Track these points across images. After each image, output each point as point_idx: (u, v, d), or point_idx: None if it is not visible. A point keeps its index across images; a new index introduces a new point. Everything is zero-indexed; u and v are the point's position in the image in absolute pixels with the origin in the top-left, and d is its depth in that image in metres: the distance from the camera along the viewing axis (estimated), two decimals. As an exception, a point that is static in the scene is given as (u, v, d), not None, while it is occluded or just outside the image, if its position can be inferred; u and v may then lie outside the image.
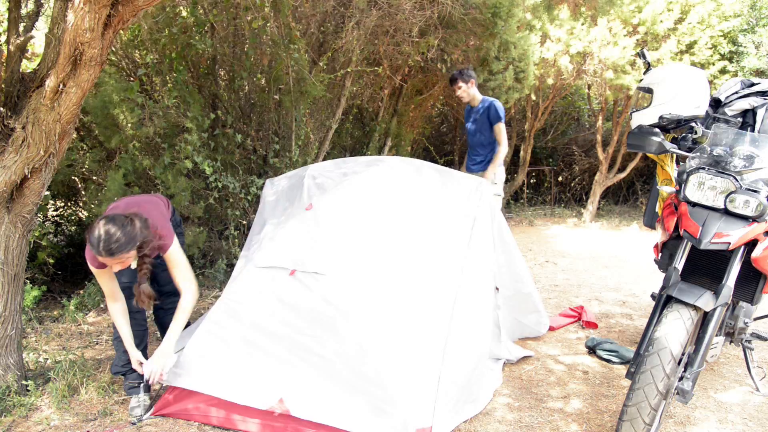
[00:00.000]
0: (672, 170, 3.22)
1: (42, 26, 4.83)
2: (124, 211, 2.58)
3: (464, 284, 2.80)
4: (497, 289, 3.40)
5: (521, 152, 9.92)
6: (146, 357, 2.98)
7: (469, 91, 5.03)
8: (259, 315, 2.71)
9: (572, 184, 11.48)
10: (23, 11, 3.10)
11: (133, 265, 2.59)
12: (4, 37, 3.10)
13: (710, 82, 7.74)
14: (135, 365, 2.77)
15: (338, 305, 2.59)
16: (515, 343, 3.70)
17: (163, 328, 3.06)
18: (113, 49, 4.69)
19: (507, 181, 10.31)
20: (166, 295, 2.99)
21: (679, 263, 2.60)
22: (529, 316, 3.86)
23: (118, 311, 2.77)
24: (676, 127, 2.94)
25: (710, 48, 7.65)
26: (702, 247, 2.43)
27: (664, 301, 2.51)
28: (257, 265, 2.81)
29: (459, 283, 2.78)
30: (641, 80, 3.13)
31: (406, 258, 2.82)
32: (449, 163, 11.28)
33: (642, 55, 3.31)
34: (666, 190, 2.75)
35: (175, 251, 2.72)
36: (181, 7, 4.75)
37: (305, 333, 2.61)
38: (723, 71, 7.69)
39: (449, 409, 2.55)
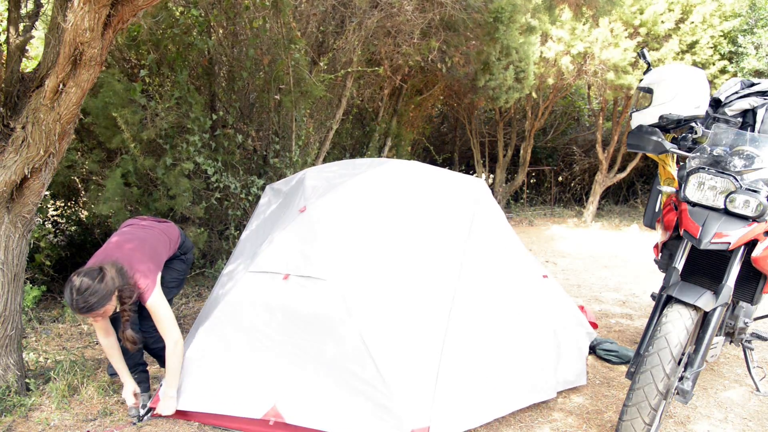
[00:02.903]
0: (674, 170, 3.22)
1: (42, 26, 4.84)
2: (106, 257, 2.56)
3: (462, 285, 2.78)
4: (545, 276, 3.29)
5: (521, 152, 9.92)
6: (142, 361, 2.97)
7: None
8: (252, 321, 2.69)
9: (572, 184, 11.49)
10: (23, 11, 3.09)
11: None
12: (3, 37, 3.10)
13: (710, 82, 7.74)
14: (128, 396, 2.74)
15: (332, 309, 2.57)
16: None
17: (156, 357, 3.05)
18: (114, 49, 4.69)
19: (507, 181, 10.32)
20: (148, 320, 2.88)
21: (679, 263, 2.60)
22: None
23: (111, 345, 2.74)
24: (676, 127, 2.94)
25: (711, 48, 7.65)
26: (702, 247, 2.43)
27: (664, 301, 2.51)
28: (251, 270, 2.79)
29: (456, 285, 2.76)
30: (641, 80, 3.12)
31: (401, 260, 2.80)
32: (449, 164, 11.29)
33: (642, 55, 3.30)
34: (666, 190, 2.75)
35: (155, 302, 2.62)
36: (180, 8, 4.75)
37: (299, 337, 2.60)
38: (723, 71, 7.70)
39: (451, 410, 2.54)
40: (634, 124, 3.00)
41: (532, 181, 11.96)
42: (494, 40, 6.15)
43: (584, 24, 7.78)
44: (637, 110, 3.07)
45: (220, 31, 4.96)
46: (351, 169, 3.35)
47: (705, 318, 2.47)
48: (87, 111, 4.27)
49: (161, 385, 2.74)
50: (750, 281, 2.65)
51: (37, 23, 3.18)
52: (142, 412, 2.73)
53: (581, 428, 2.74)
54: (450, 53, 6.22)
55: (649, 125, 2.82)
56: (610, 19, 7.58)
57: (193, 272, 5.06)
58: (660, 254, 3.14)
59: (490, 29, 6.02)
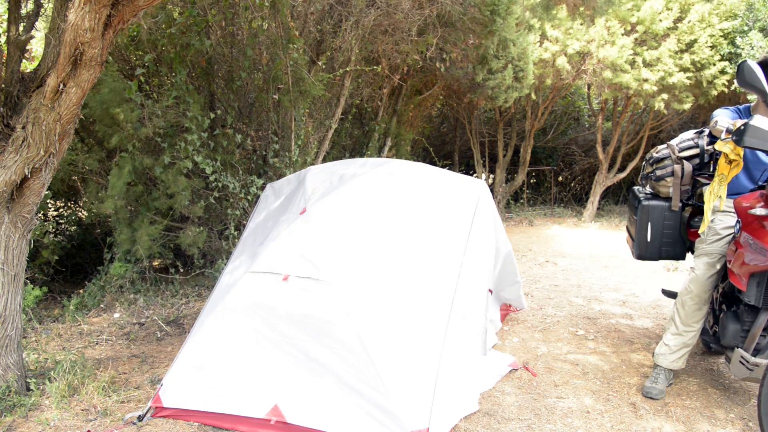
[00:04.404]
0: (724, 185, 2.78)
1: (42, 26, 4.83)
2: None
3: (460, 287, 2.80)
4: (490, 291, 3.39)
5: (521, 152, 9.93)
6: None
7: None
8: (252, 321, 2.69)
9: (572, 184, 11.49)
10: (23, 11, 3.09)
11: None
12: (4, 38, 3.09)
13: (710, 83, 7.74)
14: None
15: (333, 310, 2.57)
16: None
17: None
18: (113, 48, 4.69)
19: (507, 181, 10.32)
20: None
21: None
22: (510, 288, 4.08)
23: None
24: None
25: (710, 48, 7.63)
26: None
27: None
28: (251, 271, 2.79)
29: (455, 286, 2.78)
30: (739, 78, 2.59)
31: (402, 261, 2.81)
32: (449, 164, 11.29)
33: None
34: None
35: None
36: (178, 8, 4.75)
37: (300, 338, 2.60)
38: (723, 71, 7.69)
39: (446, 410, 2.55)
40: (759, 123, 2.45)
41: (532, 181, 11.96)
42: (491, 33, 6.16)
43: (581, 24, 7.77)
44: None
45: (218, 32, 4.96)
46: (352, 169, 3.36)
47: None
48: (86, 109, 4.27)
49: (161, 385, 2.74)
50: None
51: (37, 23, 3.17)
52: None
53: (581, 428, 2.74)
54: (448, 50, 6.22)
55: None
56: (607, 18, 7.58)
57: (193, 272, 5.07)
58: (747, 284, 2.65)
59: (487, 22, 6.02)
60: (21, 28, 3.01)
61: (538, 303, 4.84)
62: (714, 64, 7.66)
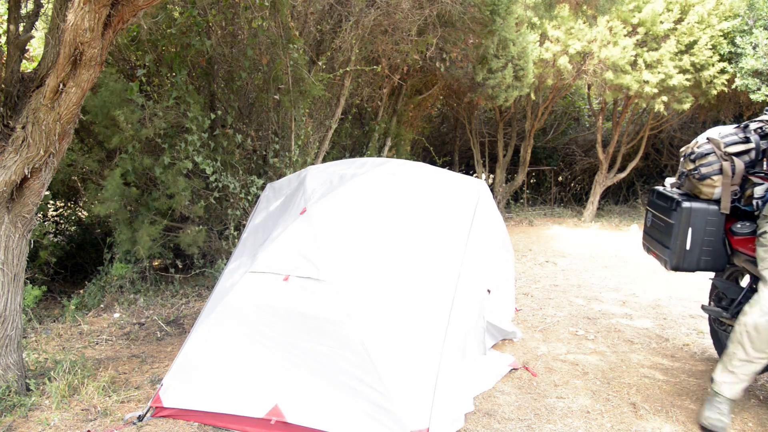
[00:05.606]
0: None
1: (42, 26, 4.83)
2: None
3: (460, 288, 2.81)
4: (489, 291, 3.38)
5: (521, 152, 9.93)
6: None
7: None
8: (253, 321, 2.69)
9: (572, 184, 11.49)
10: (23, 11, 3.09)
11: None
12: (4, 38, 3.10)
13: (709, 83, 7.73)
14: None
15: (333, 310, 2.57)
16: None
17: None
18: (113, 49, 4.69)
19: (507, 181, 10.32)
20: None
21: None
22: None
23: None
24: None
25: (710, 48, 7.62)
26: None
27: None
28: (251, 271, 2.80)
29: (456, 286, 2.78)
30: None
31: (402, 262, 2.81)
32: (449, 164, 11.29)
33: None
34: None
35: None
36: (179, 8, 4.75)
37: (300, 338, 2.60)
38: (722, 71, 7.68)
39: (446, 410, 2.55)
40: None
41: (532, 181, 11.96)
42: (491, 33, 6.16)
43: (584, 23, 7.77)
44: None
45: (219, 32, 4.96)
46: (352, 168, 3.36)
47: None
48: (87, 110, 4.27)
49: (161, 385, 2.74)
50: None
51: (37, 23, 3.17)
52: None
53: (582, 428, 2.74)
54: (448, 49, 6.22)
55: None
56: (609, 18, 7.58)
57: (193, 272, 5.07)
58: None
59: (486, 22, 6.02)
60: (21, 28, 3.01)
61: (538, 303, 4.84)
62: (713, 65, 7.65)
